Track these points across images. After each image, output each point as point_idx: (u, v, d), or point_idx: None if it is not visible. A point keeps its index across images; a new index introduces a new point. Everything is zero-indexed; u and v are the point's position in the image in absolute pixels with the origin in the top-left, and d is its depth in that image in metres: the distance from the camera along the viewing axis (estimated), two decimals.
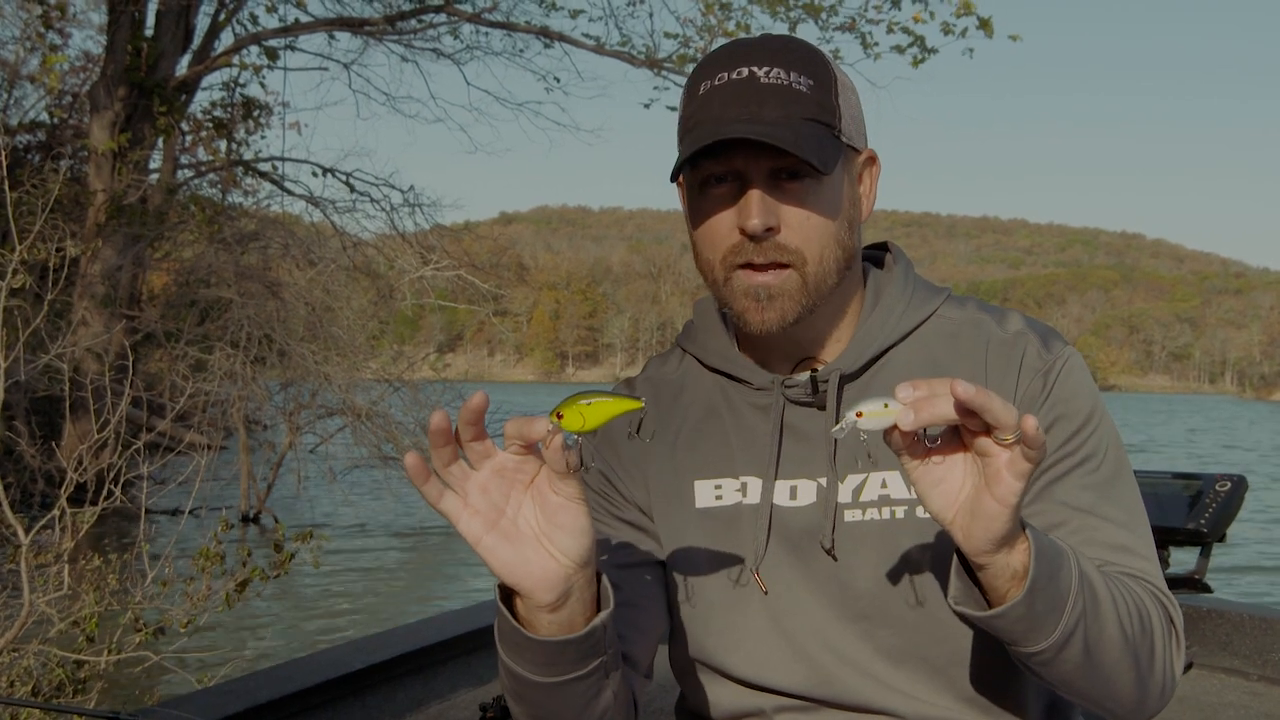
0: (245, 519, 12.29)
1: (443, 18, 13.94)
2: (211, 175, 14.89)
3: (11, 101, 15.04)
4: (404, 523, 12.89)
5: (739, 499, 1.18)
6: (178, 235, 13.56)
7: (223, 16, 13.51)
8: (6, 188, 3.76)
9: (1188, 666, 2.87)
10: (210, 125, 14.31)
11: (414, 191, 14.35)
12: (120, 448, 4.19)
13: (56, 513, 3.75)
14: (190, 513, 4.85)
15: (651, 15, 23.62)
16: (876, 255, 1.28)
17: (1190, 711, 2.65)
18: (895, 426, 0.89)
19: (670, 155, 1.14)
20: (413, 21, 13.94)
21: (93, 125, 12.57)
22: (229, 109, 14.14)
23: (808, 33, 15.15)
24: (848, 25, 12.79)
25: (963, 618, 0.99)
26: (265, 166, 14.41)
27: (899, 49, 12.76)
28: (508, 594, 0.99)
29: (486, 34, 14.28)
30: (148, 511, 4.10)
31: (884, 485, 1.13)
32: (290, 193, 14.32)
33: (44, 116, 15.10)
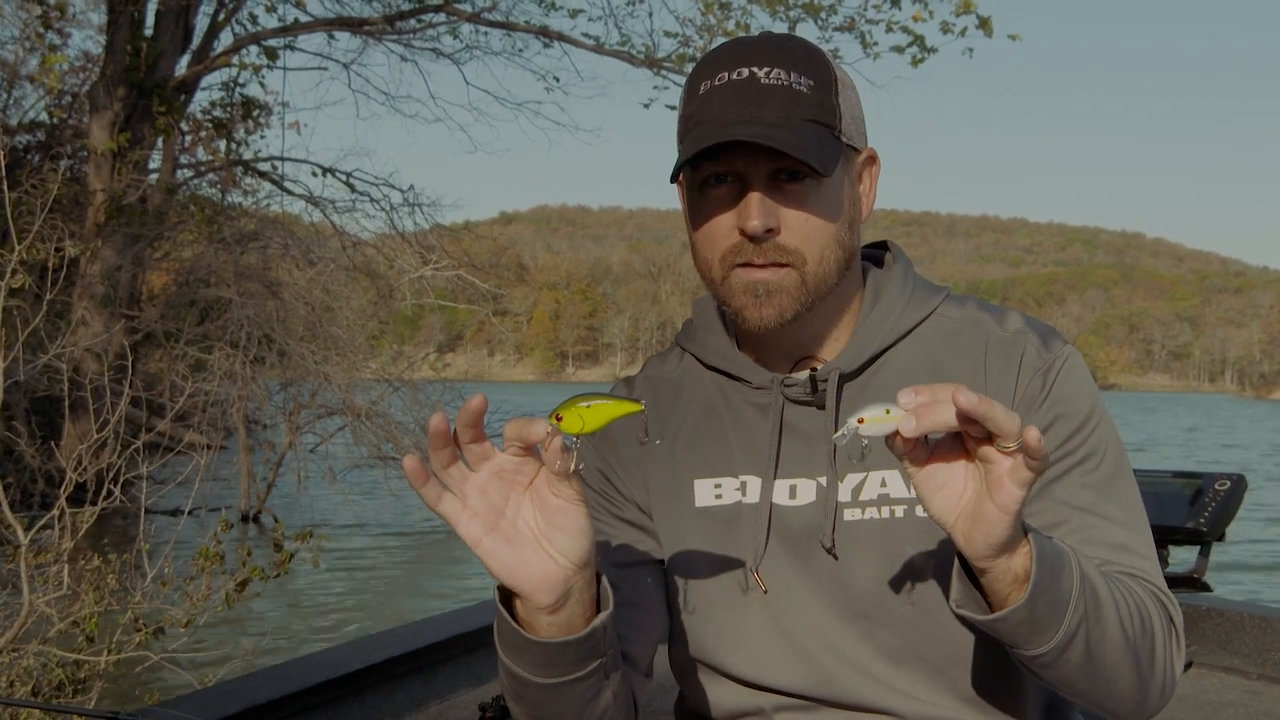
0: (245, 519, 12.29)
1: (442, 17, 13.94)
2: (211, 175, 14.89)
3: (11, 101, 15.07)
4: (403, 522, 12.89)
5: (738, 498, 1.18)
6: (177, 235, 13.55)
7: (222, 16, 13.50)
8: (6, 188, 3.76)
9: (1187, 665, 2.87)
10: (210, 125, 14.31)
11: (414, 191, 14.36)
12: (120, 447, 4.20)
13: (56, 512, 3.75)
14: (190, 513, 4.85)
15: (651, 15, 23.75)
16: (876, 254, 1.27)
17: (1190, 710, 2.66)
18: (897, 432, 0.89)
19: (670, 155, 1.14)
20: (412, 21, 13.94)
21: (92, 125, 12.57)
22: (228, 109, 14.14)
23: (807, 32, 15.16)
24: (847, 25, 12.79)
25: (964, 621, 0.99)
26: (265, 166, 14.41)
27: (898, 49, 12.75)
28: (507, 595, 0.99)
29: (486, 33, 14.29)
30: (147, 511, 4.09)
31: (883, 484, 1.13)
32: (290, 192, 14.33)
33: (43, 116, 15.12)
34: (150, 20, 13.03)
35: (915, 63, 12.75)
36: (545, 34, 14.02)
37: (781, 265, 1.08)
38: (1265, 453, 32.84)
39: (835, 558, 1.13)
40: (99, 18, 13.92)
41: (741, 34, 5.98)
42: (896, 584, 1.12)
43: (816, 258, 1.09)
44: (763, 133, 1.03)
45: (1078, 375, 1.14)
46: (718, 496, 1.19)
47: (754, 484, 1.17)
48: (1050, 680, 1.02)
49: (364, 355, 13.01)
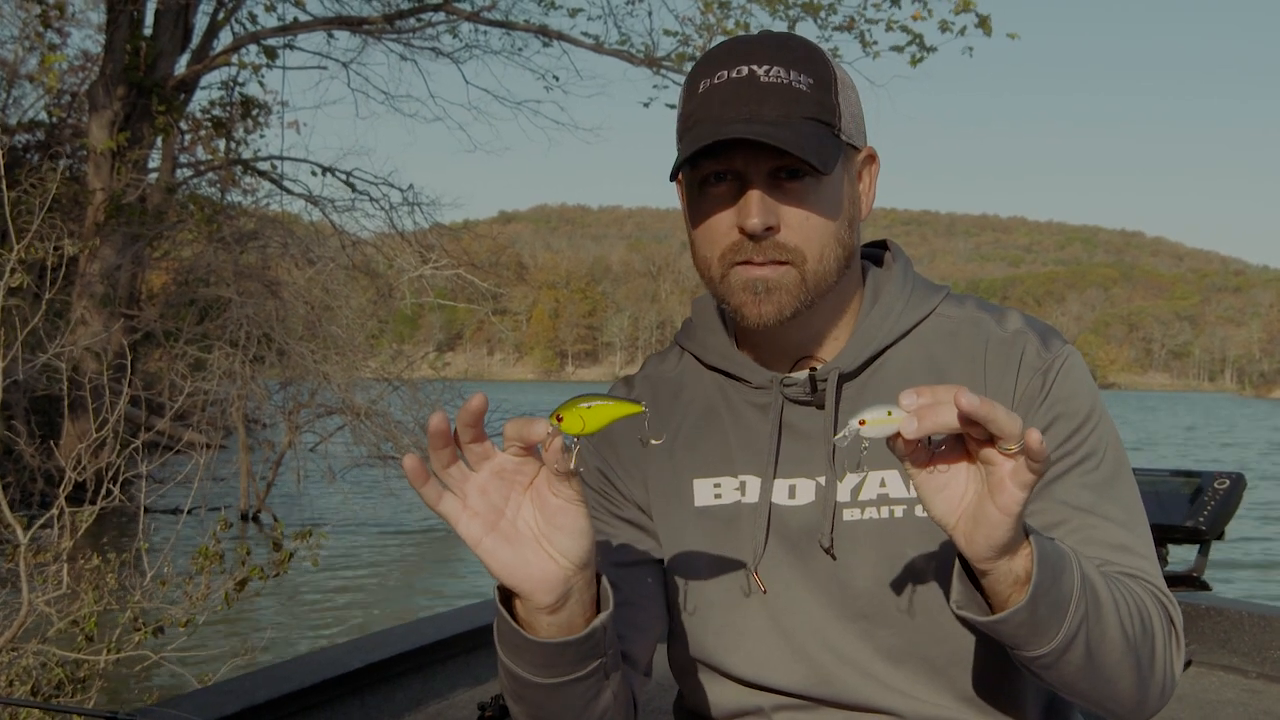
0: (245, 518, 12.29)
1: (441, 16, 13.93)
2: (210, 174, 14.89)
3: (10, 101, 15.06)
4: (403, 522, 12.89)
5: (738, 498, 1.17)
6: (177, 234, 13.54)
7: (221, 15, 13.50)
8: (5, 187, 3.76)
9: (1186, 664, 2.87)
10: (209, 124, 14.30)
11: (413, 190, 14.35)
12: (119, 447, 4.19)
13: (55, 512, 3.74)
14: (189, 512, 4.85)
15: (650, 14, 23.75)
16: (875, 253, 1.27)
17: (1189, 709, 2.66)
18: (898, 434, 0.89)
19: (669, 154, 1.14)
20: (411, 20, 13.94)
21: (91, 124, 12.56)
22: (228, 108, 14.13)
23: (806, 31, 15.18)
24: (846, 24, 12.78)
25: (965, 622, 0.99)
26: (264, 165, 14.41)
27: (898, 48, 12.75)
28: (507, 595, 0.99)
29: (485, 32, 14.28)
30: (147, 510, 4.09)
31: (883, 484, 1.13)
32: (289, 192, 14.33)
33: (43, 116, 15.10)
34: (149, 19, 13.03)
35: (914, 62, 12.75)
36: (545, 33, 14.02)
37: (781, 263, 1.08)
38: (1264, 451, 32.86)
39: (834, 558, 1.13)
40: (98, 17, 13.94)
41: (741, 33, 5.98)
42: (896, 584, 1.11)
43: (816, 256, 1.09)
44: (762, 131, 1.03)
45: (1077, 375, 1.14)
46: (717, 496, 1.18)
47: (753, 484, 1.17)
48: (1051, 681, 1.02)
49: (363, 354, 13.01)
